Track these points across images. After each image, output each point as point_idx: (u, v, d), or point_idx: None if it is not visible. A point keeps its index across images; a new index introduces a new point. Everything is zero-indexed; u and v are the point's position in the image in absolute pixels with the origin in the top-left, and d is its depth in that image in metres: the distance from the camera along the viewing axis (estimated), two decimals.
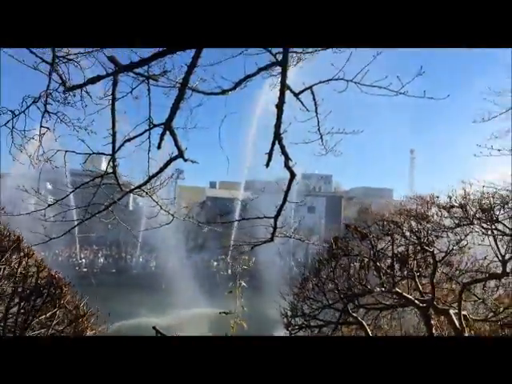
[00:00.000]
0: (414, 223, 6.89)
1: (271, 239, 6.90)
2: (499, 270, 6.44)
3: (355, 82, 5.74)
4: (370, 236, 6.54)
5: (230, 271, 46.89)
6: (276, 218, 6.68)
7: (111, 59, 5.39)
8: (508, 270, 6.31)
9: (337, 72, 5.74)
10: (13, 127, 5.30)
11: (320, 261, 6.66)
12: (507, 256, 6.33)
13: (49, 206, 6.34)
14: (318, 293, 6.58)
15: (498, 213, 6.42)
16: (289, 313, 6.75)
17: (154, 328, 3.06)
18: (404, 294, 6.37)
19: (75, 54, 5.45)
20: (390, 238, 6.57)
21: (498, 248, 6.42)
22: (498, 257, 6.47)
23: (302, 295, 6.66)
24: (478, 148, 8.21)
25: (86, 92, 5.87)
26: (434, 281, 6.42)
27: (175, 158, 5.91)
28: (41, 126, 5.57)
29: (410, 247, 6.70)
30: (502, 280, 6.71)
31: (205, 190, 56.77)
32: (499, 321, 6.53)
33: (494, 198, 6.72)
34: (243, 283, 5.19)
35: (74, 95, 5.59)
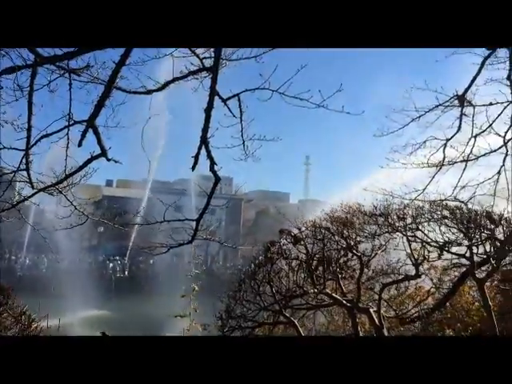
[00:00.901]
0: (341, 229, 7.43)
1: (191, 241, 6.94)
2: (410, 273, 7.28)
3: (280, 93, 6.04)
4: (303, 240, 6.92)
5: (126, 273, 45.26)
6: (198, 220, 6.75)
7: (31, 50, 5.04)
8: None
9: (263, 82, 6.01)
10: None
11: (256, 264, 6.89)
12: (419, 260, 7.12)
13: None
14: (254, 295, 6.79)
15: (417, 221, 7.17)
16: (224, 315, 6.87)
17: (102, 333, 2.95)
18: (333, 294, 6.85)
19: None
20: (321, 242, 7.02)
21: (411, 252, 7.19)
22: (411, 260, 7.25)
23: (238, 298, 6.82)
24: (378, 159, 9.08)
25: None
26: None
27: (97, 157, 5.69)
28: None
29: (336, 251, 7.22)
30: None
31: (101, 188, 53.98)
32: (408, 317, 7.37)
33: (410, 208, 7.53)
34: (196, 287, 5.17)
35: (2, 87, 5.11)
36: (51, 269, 40.89)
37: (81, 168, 5.71)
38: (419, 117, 9.64)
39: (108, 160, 5.63)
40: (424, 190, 9.24)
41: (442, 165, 9.31)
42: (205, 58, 5.97)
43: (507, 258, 6.91)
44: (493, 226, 6.74)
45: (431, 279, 8.29)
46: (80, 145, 5.48)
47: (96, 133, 5.47)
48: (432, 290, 8.37)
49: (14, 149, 5.56)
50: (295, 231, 7.49)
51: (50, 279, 36.99)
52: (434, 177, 9.37)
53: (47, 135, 5.55)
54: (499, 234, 7.04)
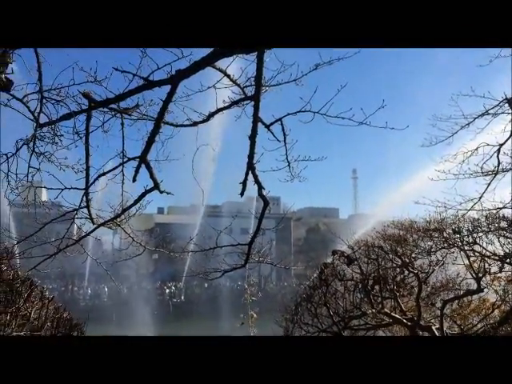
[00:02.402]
0: (395, 246, 7.31)
1: (244, 265, 7.04)
2: (472, 286, 7.00)
3: (321, 114, 6.10)
4: (357, 261, 6.88)
5: (183, 297, 45.99)
6: (250, 244, 6.86)
7: (85, 95, 5.42)
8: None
9: (304, 104, 6.10)
10: (8, 170, 5.18)
11: (312, 287, 6.90)
12: (480, 274, 6.85)
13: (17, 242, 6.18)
14: (312, 317, 6.77)
15: (475, 235, 6.94)
16: None
17: None
18: (392, 313, 6.71)
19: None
20: (375, 261, 6.93)
21: (471, 266, 6.94)
22: (472, 275, 6.99)
23: (295, 321, 6.83)
24: (427, 170, 8.89)
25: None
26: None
27: (150, 190, 5.97)
28: (29, 167, 5.46)
29: (391, 269, 7.10)
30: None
31: (153, 216, 55.62)
32: (474, 333, 7.05)
33: (465, 221, 7.31)
34: (254, 314, 5.25)
35: (62, 134, 5.52)
36: (112, 297, 42.28)
37: (136, 202, 6.00)
38: (468, 124, 9.40)
39: (161, 192, 5.89)
40: (480, 198, 8.92)
41: (497, 172, 8.99)
42: (246, 86, 6.16)
43: None
44: None
45: (496, 291, 7.90)
46: (134, 180, 5.79)
47: (148, 167, 5.76)
48: (497, 302, 7.95)
49: (74, 188, 5.92)
50: (348, 251, 7.41)
51: (111, 307, 38.23)
52: (489, 184, 9.05)
53: (104, 173, 5.90)
54: None
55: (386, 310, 6.76)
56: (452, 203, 8.75)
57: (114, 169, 5.92)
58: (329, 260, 7.52)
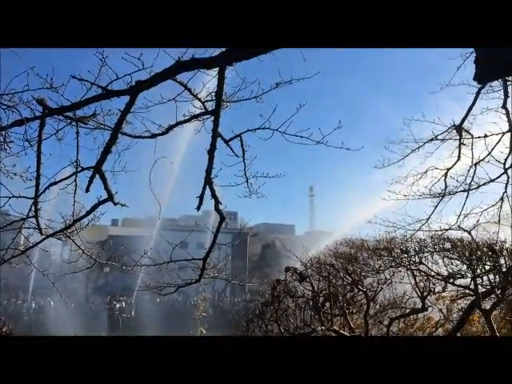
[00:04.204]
0: (346, 264, 7.46)
1: (198, 280, 6.96)
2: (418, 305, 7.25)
3: (280, 132, 6.21)
4: (309, 278, 6.95)
5: (133, 313, 44.69)
6: (205, 259, 6.81)
7: (40, 101, 5.26)
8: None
9: (264, 121, 6.19)
10: None
11: (264, 303, 6.89)
12: (425, 293, 7.10)
13: None
14: (263, 334, 6.73)
15: (421, 255, 7.21)
16: None
17: None
18: (340, 330, 6.80)
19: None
20: (326, 278, 7.04)
21: (417, 286, 7.18)
22: (417, 294, 7.23)
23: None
24: (380, 190, 9.22)
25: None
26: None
27: (104, 202, 5.83)
28: None
29: (342, 287, 7.22)
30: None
31: (106, 228, 54.08)
32: None
33: (412, 241, 7.61)
34: (204, 330, 5.17)
35: (12, 141, 5.30)
36: (58, 311, 40.49)
37: (88, 213, 5.84)
38: (418, 148, 9.82)
39: (115, 204, 5.77)
40: (427, 220, 9.30)
41: (444, 194, 9.42)
42: (206, 101, 6.19)
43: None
44: (495, 257, 6.73)
45: (440, 310, 8.22)
46: (87, 190, 5.64)
47: (103, 178, 5.64)
48: (441, 321, 8.26)
49: (23, 197, 5.70)
50: (300, 268, 7.50)
51: (56, 322, 36.57)
52: (436, 207, 9.46)
53: (55, 183, 5.71)
54: (503, 264, 7.02)
55: (335, 327, 6.87)
56: (402, 223, 9.09)
57: (66, 178, 5.76)
58: (282, 277, 7.58)
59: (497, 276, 6.67)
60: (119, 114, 5.35)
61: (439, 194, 9.52)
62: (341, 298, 7.12)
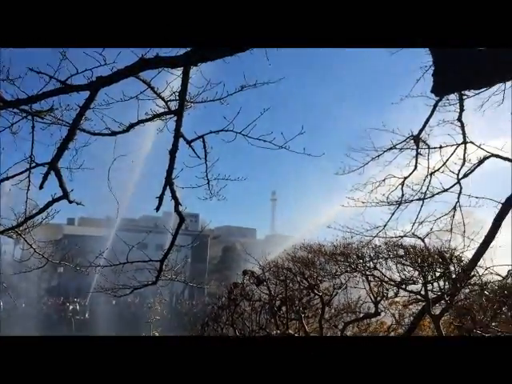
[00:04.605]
0: (302, 269, 7.54)
1: (155, 282, 6.85)
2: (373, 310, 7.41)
3: (243, 135, 6.21)
4: (266, 281, 6.96)
5: (87, 315, 43.41)
6: (162, 261, 6.71)
7: None
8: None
9: (227, 124, 6.17)
10: None
11: (220, 306, 6.84)
12: (379, 298, 7.27)
13: None
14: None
15: (375, 261, 7.37)
16: None
17: None
18: (295, 335, 6.84)
19: None
20: (283, 282, 7.07)
21: (371, 291, 7.35)
22: (371, 299, 7.39)
23: None
24: (340, 197, 9.41)
25: None
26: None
27: (58, 199, 5.64)
28: None
29: (299, 291, 7.28)
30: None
31: (62, 227, 52.37)
32: None
33: (368, 247, 7.78)
34: (156, 333, 5.06)
35: None
36: (8, 312, 38.79)
37: (41, 211, 5.64)
38: (378, 156, 10.10)
39: (70, 202, 5.59)
40: (384, 226, 9.57)
41: (401, 202, 9.72)
42: (170, 100, 6.12)
43: (462, 295, 7.16)
44: (445, 264, 7.01)
45: (393, 315, 8.45)
46: (41, 187, 5.44)
47: (58, 175, 5.45)
48: (393, 325, 8.50)
49: None
50: (258, 272, 7.53)
51: (5, 323, 34.99)
52: (393, 214, 9.75)
53: (7, 178, 5.48)
54: (452, 271, 7.30)
55: (290, 331, 6.93)
56: (360, 230, 9.31)
57: (20, 173, 5.54)
58: (240, 280, 7.59)
59: (446, 282, 6.94)
60: (78, 109, 5.20)
61: (396, 201, 9.82)
62: (297, 302, 7.20)
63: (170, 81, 5.96)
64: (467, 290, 6.97)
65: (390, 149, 9.95)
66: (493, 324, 6.34)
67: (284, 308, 7.14)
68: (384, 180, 10.07)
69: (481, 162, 9.11)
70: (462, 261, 7.12)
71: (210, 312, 7.31)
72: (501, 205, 8.03)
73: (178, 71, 5.55)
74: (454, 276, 6.93)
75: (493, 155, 8.86)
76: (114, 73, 5.00)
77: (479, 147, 9.12)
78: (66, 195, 5.52)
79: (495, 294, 6.54)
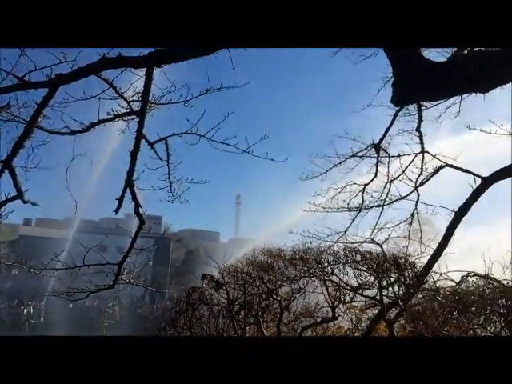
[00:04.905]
0: (262, 273, 7.56)
1: (112, 286, 6.71)
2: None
3: (207, 138, 6.19)
4: (225, 286, 6.93)
5: (42, 319, 41.95)
6: (121, 264, 6.57)
7: None
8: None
9: (191, 126, 6.13)
10: None
11: (178, 311, 6.75)
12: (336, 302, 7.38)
13: None
14: None
15: (333, 266, 7.49)
16: None
17: None
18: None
19: None
20: (242, 287, 7.06)
21: (329, 296, 7.45)
22: (328, 303, 7.50)
23: None
24: (302, 202, 9.54)
25: None
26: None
27: (12, 199, 5.45)
28: None
29: (258, 295, 7.30)
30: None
31: (17, 227, 50.48)
32: None
33: (327, 252, 7.89)
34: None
35: None
36: None
37: None
38: (340, 163, 10.29)
39: (24, 202, 5.41)
40: (345, 232, 9.75)
41: (361, 209, 9.93)
42: (133, 101, 6.03)
43: (416, 300, 7.37)
44: (399, 270, 7.21)
45: (351, 319, 8.61)
46: None
47: (12, 174, 5.27)
48: (352, 330, 8.65)
49: None
50: (218, 276, 7.51)
51: None
52: (353, 220, 9.95)
53: None
54: (407, 277, 7.51)
55: (248, 335, 6.94)
56: (321, 235, 9.45)
57: None
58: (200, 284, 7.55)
59: (401, 288, 7.14)
60: (36, 106, 5.06)
61: (356, 208, 10.02)
62: (256, 306, 7.22)
63: (133, 81, 5.88)
64: (420, 296, 7.20)
65: (352, 156, 10.16)
66: (445, 328, 6.57)
67: (243, 312, 7.14)
68: (345, 186, 10.26)
69: (436, 171, 9.43)
70: (415, 267, 7.35)
71: (168, 316, 7.22)
72: (454, 213, 8.34)
73: (142, 72, 5.49)
74: (407, 282, 7.14)
75: (447, 165, 9.18)
76: (75, 71, 4.90)
77: (435, 157, 9.44)
78: (20, 195, 5.34)
79: (447, 299, 6.78)
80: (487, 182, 7.90)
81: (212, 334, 6.60)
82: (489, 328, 6.88)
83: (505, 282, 7.87)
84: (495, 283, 7.84)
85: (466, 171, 8.49)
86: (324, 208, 9.72)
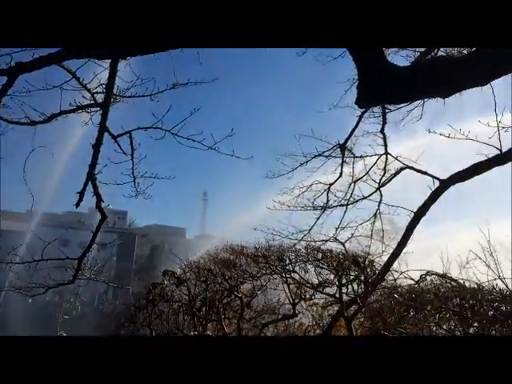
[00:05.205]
0: (225, 270, 7.55)
1: (72, 281, 6.57)
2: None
3: (172, 133, 6.13)
4: (186, 282, 6.88)
5: None
6: (81, 259, 6.44)
7: None
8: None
9: (157, 121, 6.06)
10: None
11: (137, 307, 6.66)
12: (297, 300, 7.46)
13: None
14: None
15: (292, 263, 7.56)
16: None
17: None
18: (212, 335, 6.82)
19: None
20: (204, 283, 7.03)
21: (290, 293, 7.52)
22: (289, 300, 7.57)
23: None
24: (267, 200, 9.61)
25: None
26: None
27: None
28: None
29: (219, 292, 7.29)
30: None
31: None
32: None
33: (289, 250, 7.95)
34: (64, 334, 4.79)
35: None
36: None
37: None
38: (306, 162, 10.40)
39: None
40: (309, 231, 9.86)
41: (326, 208, 10.07)
42: (97, 92, 5.90)
43: (374, 298, 7.54)
44: (358, 269, 7.37)
45: (312, 316, 8.73)
46: None
47: None
48: (313, 326, 8.77)
49: None
50: (180, 272, 7.46)
51: None
52: (318, 219, 10.08)
53: None
54: (366, 275, 7.68)
55: (208, 332, 6.93)
56: (285, 233, 9.52)
57: None
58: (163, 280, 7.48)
59: (360, 286, 7.30)
60: None
61: (321, 207, 10.16)
62: (217, 303, 7.22)
63: (97, 72, 5.77)
64: (379, 294, 7.38)
65: (318, 156, 10.27)
66: (401, 326, 6.76)
67: (204, 309, 7.13)
68: (311, 185, 10.37)
69: (397, 172, 9.66)
70: (374, 265, 7.52)
71: (127, 313, 7.13)
72: (413, 213, 8.57)
73: (107, 63, 5.39)
74: (366, 279, 7.29)
75: (408, 167, 9.42)
76: (36, 59, 4.76)
77: (396, 159, 9.66)
78: None
79: (404, 297, 6.97)
80: (445, 184, 8.16)
81: (172, 331, 6.57)
82: (444, 326, 7.12)
83: (461, 281, 8.18)
84: (452, 282, 8.13)
85: (425, 173, 8.73)
86: (289, 206, 9.82)
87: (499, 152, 7.35)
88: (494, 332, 6.64)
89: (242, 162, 6.54)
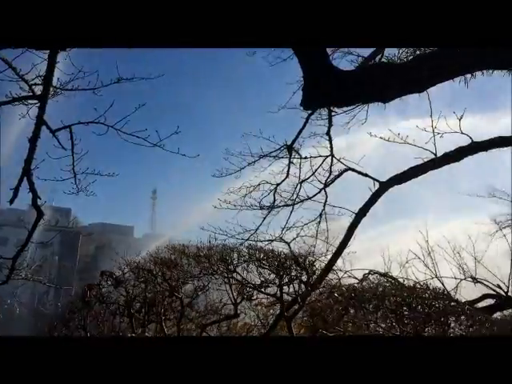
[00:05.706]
0: (166, 270, 7.43)
1: (6, 281, 6.27)
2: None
3: (115, 129, 5.98)
4: (125, 283, 6.69)
5: None
6: (15, 258, 6.15)
7: None
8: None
9: (98, 116, 5.88)
10: None
11: (71, 310, 6.40)
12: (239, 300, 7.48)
13: None
14: None
15: (234, 263, 7.55)
16: None
17: None
18: (152, 337, 6.70)
19: None
20: (144, 284, 6.88)
21: (232, 293, 7.52)
22: (231, 300, 7.57)
23: None
24: (214, 199, 9.58)
25: None
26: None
27: None
28: None
29: (160, 293, 7.16)
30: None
31: None
32: None
33: (232, 250, 7.94)
34: None
35: None
36: None
37: None
38: (254, 162, 10.46)
39: None
40: (256, 230, 9.92)
41: (272, 208, 10.17)
42: (35, 84, 5.66)
43: (315, 297, 7.71)
44: (299, 269, 7.51)
45: (257, 315, 8.79)
46: None
47: None
48: (256, 325, 8.83)
49: None
50: (119, 273, 7.30)
51: None
52: (264, 218, 10.16)
53: None
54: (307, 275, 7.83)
55: (148, 334, 6.81)
56: (232, 232, 9.53)
57: None
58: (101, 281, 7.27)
59: (301, 286, 7.43)
60: None
61: (268, 207, 10.25)
62: (158, 304, 7.11)
63: (36, 63, 5.55)
64: (319, 293, 7.56)
65: (265, 155, 10.36)
66: (341, 324, 6.95)
67: (143, 310, 7.00)
68: (258, 185, 10.44)
69: (340, 174, 9.93)
70: (314, 265, 7.69)
71: (60, 314, 6.88)
72: (355, 214, 8.84)
73: (46, 54, 5.19)
74: (308, 279, 7.44)
75: (350, 169, 9.71)
76: None
77: (339, 160, 9.93)
78: None
79: (343, 296, 7.17)
80: (384, 186, 8.48)
81: (108, 333, 6.40)
82: (383, 324, 7.39)
83: (401, 280, 8.54)
84: (392, 281, 8.47)
85: (366, 175, 9.02)
86: (235, 206, 9.84)
87: (434, 156, 7.74)
88: (427, 329, 6.97)
89: (192, 161, 6.52)
